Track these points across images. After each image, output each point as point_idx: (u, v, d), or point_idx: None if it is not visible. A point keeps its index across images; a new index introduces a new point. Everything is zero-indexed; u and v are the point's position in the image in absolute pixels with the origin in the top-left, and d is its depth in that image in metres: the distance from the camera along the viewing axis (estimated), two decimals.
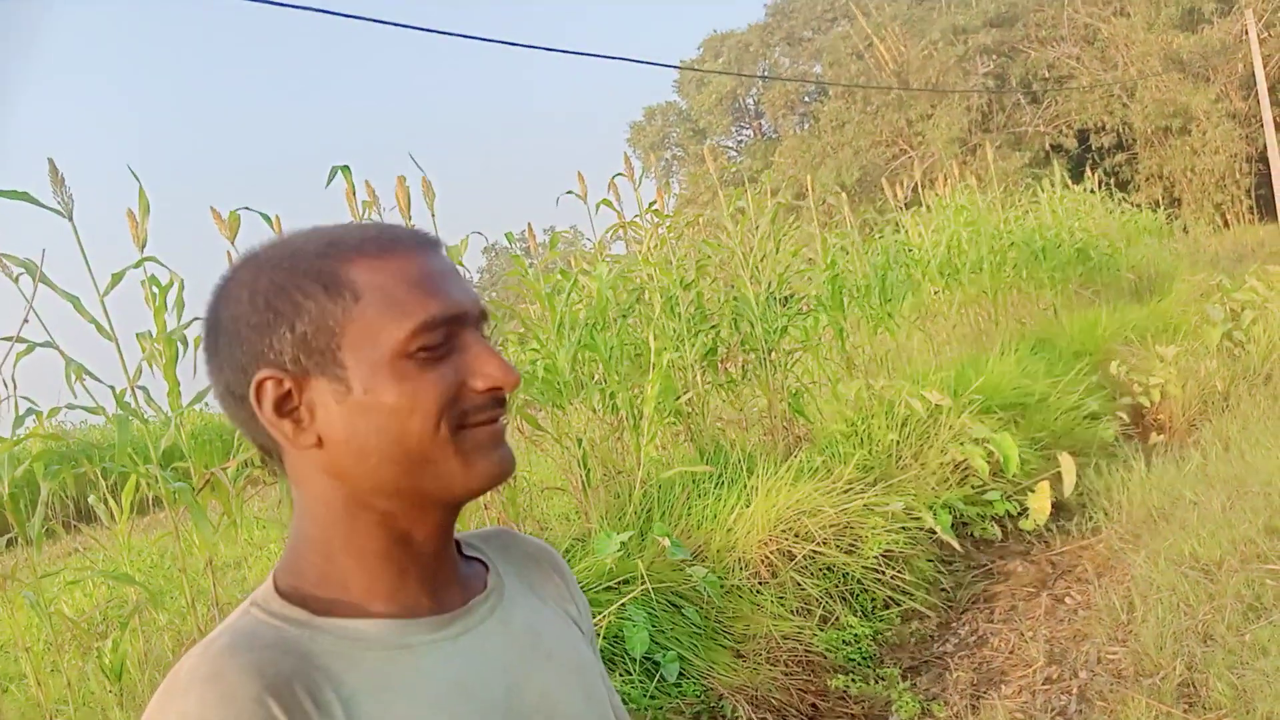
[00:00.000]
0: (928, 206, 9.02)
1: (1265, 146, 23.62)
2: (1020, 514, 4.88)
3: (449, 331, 0.72)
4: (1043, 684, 3.15)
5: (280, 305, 0.71)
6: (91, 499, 4.70)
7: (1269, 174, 23.42)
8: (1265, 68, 23.72)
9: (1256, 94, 23.62)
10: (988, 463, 4.88)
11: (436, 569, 0.76)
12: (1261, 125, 23.72)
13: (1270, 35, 25.17)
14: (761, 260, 5.46)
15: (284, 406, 0.71)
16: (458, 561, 0.81)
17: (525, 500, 4.22)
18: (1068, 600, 3.85)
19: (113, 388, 2.98)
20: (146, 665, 3.24)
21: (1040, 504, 4.80)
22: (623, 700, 2.77)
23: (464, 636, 0.75)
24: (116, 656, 3.01)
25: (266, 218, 3.68)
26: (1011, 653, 3.46)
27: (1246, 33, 23.54)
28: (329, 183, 3.91)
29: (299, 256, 0.72)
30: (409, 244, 0.74)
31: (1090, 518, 4.75)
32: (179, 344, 3.03)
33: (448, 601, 0.77)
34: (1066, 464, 5.01)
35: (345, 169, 3.94)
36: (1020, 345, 7.28)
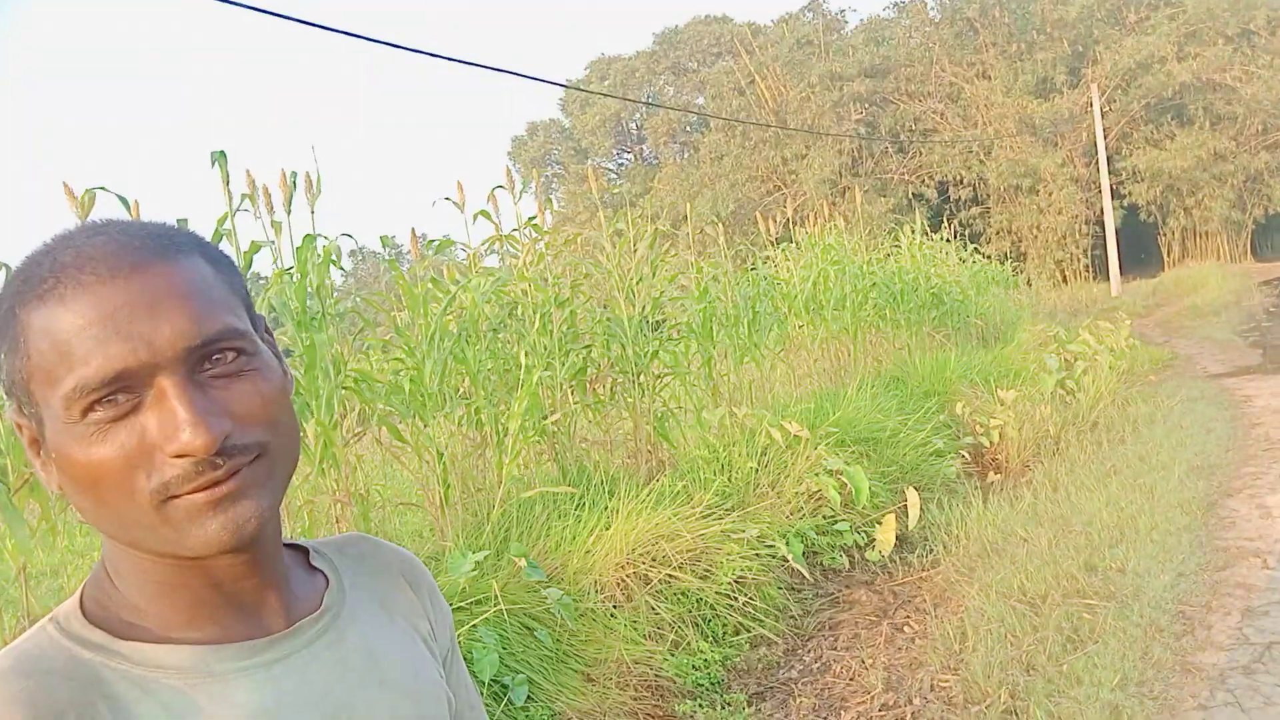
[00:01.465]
0: (798, 243, 9.33)
1: (1102, 210, 25.64)
2: (868, 545, 5.07)
3: (129, 385, 0.62)
4: (879, 710, 3.26)
5: None
6: None
7: (1105, 236, 25.42)
8: (1106, 137, 25.81)
9: (1097, 161, 25.65)
10: (840, 494, 5.06)
11: (248, 591, 0.71)
12: (1100, 191, 25.75)
13: (1111, 109, 27.43)
14: (637, 283, 5.51)
15: (36, 446, 0.67)
16: (286, 577, 0.75)
17: (379, 515, 4.09)
18: (906, 629, 4.02)
19: None
20: None
21: (886, 536, 5.00)
22: None
23: (282, 662, 0.70)
24: None
25: (125, 201, 3.47)
26: (852, 679, 3.58)
27: (1091, 104, 25.54)
28: (213, 165, 3.74)
29: (3, 293, 0.66)
30: (95, 273, 0.62)
31: (930, 550, 4.98)
32: None
33: (267, 624, 0.72)
34: (912, 498, 5.24)
35: (221, 155, 3.77)
36: (875, 382, 7.60)
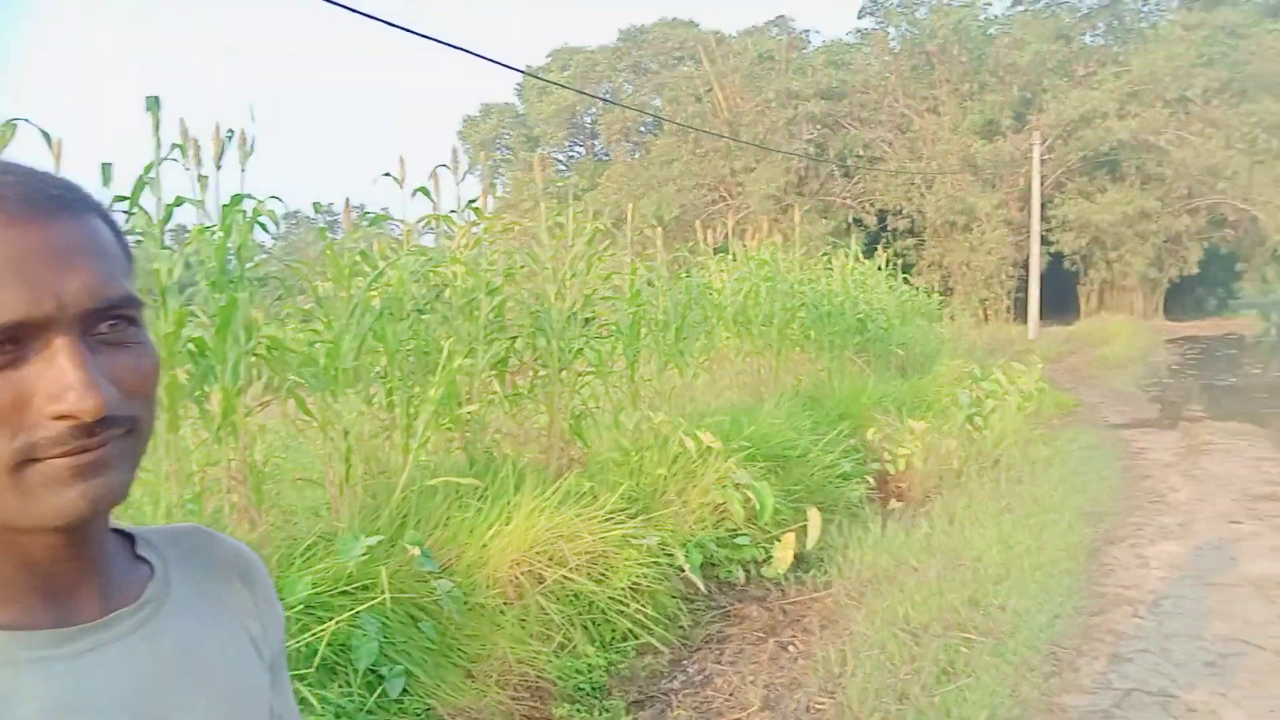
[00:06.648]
0: (734, 255, 9.41)
1: (1029, 255, 26.47)
2: (766, 560, 5.15)
3: (20, 337, 0.59)
4: None
5: None
6: None
7: (1028, 280, 26.25)
8: (1042, 185, 26.65)
9: (1030, 207, 26.47)
10: (744, 508, 5.12)
11: (63, 575, 0.67)
12: (1029, 235, 26.60)
13: (1051, 157, 28.35)
14: (571, 278, 5.49)
15: None
16: (109, 564, 0.72)
17: (274, 489, 4.00)
18: (791, 648, 4.09)
19: None
20: None
21: (784, 553, 5.08)
22: (337, 714, 2.67)
23: (91, 654, 0.67)
24: None
25: (47, 136, 3.37)
26: (731, 694, 3.63)
27: (1032, 150, 26.36)
28: (149, 110, 3.65)
29: None
30: (7, 212, 0.59)
31: (825, 572, 5.08)
32: None
33: (80, 612, 0.68)
34: (813, 518, 5.33)
35: (154, 100, 3.66)
36: (793, 400, 7.72)
